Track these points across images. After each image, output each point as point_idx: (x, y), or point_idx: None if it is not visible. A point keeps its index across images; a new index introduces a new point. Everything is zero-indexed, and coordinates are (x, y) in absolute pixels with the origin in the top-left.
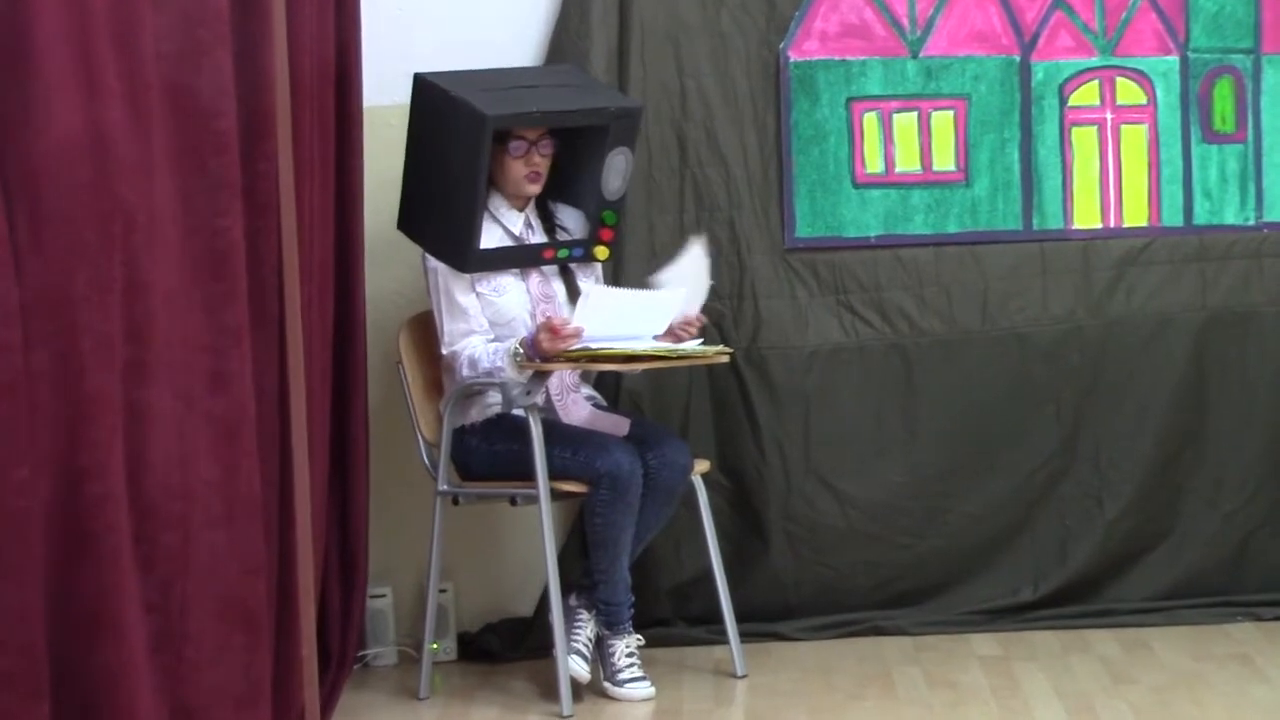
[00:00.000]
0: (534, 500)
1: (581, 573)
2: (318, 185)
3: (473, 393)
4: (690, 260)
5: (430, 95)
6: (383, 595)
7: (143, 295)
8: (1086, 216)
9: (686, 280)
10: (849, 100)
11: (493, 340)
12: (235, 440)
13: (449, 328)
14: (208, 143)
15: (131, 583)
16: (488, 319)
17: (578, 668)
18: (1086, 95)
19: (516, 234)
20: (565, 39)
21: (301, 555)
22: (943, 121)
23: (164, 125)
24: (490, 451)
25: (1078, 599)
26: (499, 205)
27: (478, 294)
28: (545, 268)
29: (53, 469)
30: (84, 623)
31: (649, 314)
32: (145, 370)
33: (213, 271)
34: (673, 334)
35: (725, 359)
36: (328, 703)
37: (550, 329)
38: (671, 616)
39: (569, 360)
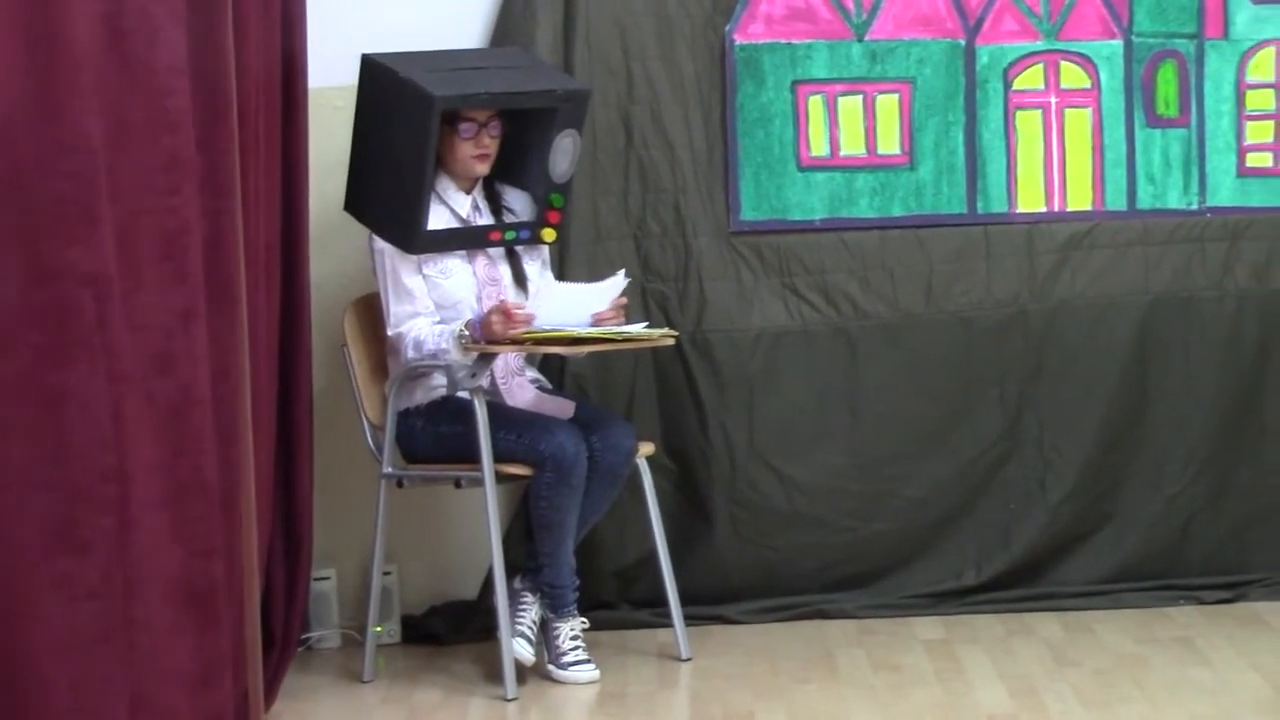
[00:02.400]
0: (479, 483)
1: (526, 555)
2: (263, 167)
3: (417, 375)
4: (604, 286)
5: (378, 76)
6: (327, 578)
7: (63, 277)
8: (1030, 200)
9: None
10: (794, 83)
11: (438, 322)
12: (182, 421)
13: (395, 310)
14: (160, 121)
15: (54, 569)
16: (434, 301)
17: (522, 651)
18: (1031, 79)
19: (464, 216)
20: (511, 21)
21: (246, 537)
22: (887, 105)
23: (108, 104)
24: (435, 434)
25: (1021, 582)
26: (446, 187)
27: (424, 276)
28: (491, 250)
29: None
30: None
31: (595, 301)
32: (65, 354)
33: (162, 251)
34: (599, 318)
35: (670, 342)
36: (271, 685)
37: (503, 311)
38: (616, 599)
39: (514, 343)
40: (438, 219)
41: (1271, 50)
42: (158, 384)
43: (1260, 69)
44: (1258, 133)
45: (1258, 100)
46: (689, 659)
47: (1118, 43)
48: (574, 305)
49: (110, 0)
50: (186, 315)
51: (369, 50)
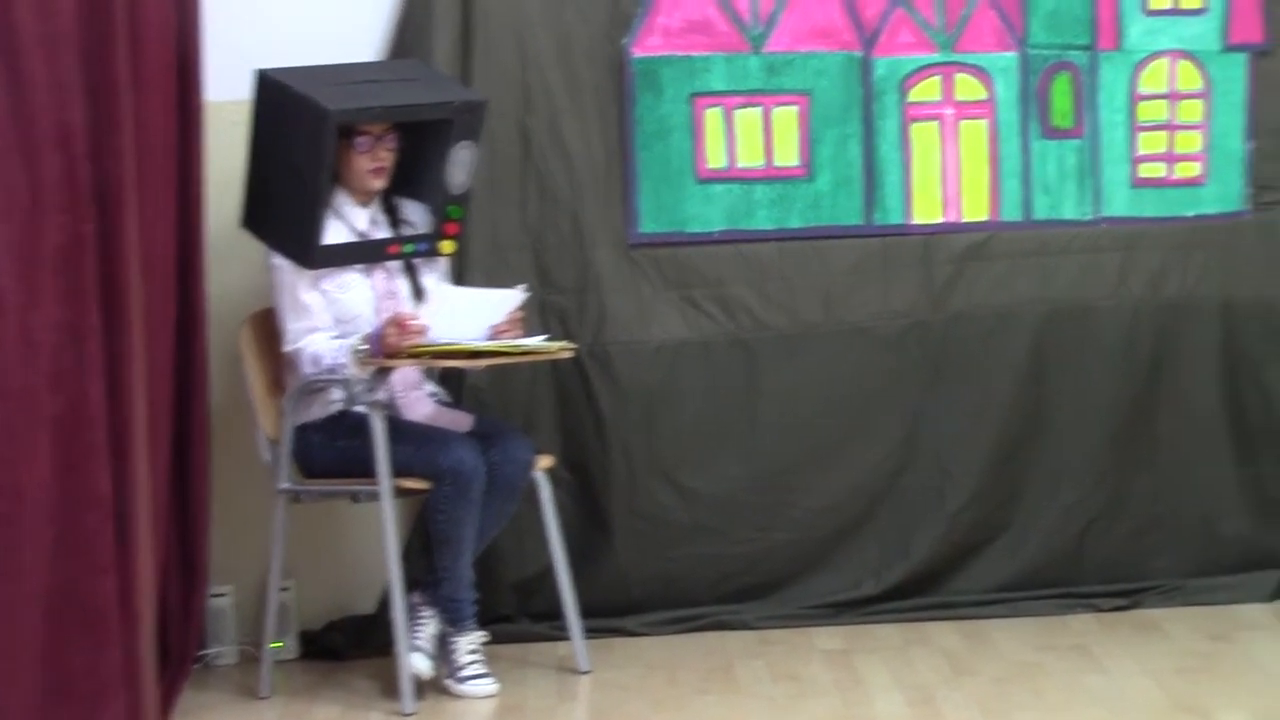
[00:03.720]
0: (376, 497)
1: (424, 569)
2: (159, 181)
3: (315, 389)
4: (498, 297)
5: (273, 91)
6: (223, 594)
7: None
8: (927, 211)
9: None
10: (692, 95)
11: (336, 337)
12: (76, 438)
13: (292, 325)
14: (53, 137)
15: None
16: (331, 316)
17: (420, 665)
18: (927, 91)
19: (361, 230)
20: (408, 33)
21: (141, 553)
22: (785, 117)
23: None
24: (332, 448)
25: (920, 591)
26: (343, 201)
27: (322, 291)
28: (389, 264)
29: None
30: None
31: (492, 311)
32: None
33: (57, 268)
34: (496, 331)
35: (569, 354)
36: (166, 702)
37: (397, 323)
38: (515, 613)
39: (412, 357)
40: (335, 234)
41: (1164, 61)
42: (50, 400)
43: (1152, 80)
44: (1150, 143)
45: (1150, 111)
46: (588, 672)
47: (1013, 54)
48: (470, 313)
49: (3, 14)
50: (81, 331)
51: (265, 65)
